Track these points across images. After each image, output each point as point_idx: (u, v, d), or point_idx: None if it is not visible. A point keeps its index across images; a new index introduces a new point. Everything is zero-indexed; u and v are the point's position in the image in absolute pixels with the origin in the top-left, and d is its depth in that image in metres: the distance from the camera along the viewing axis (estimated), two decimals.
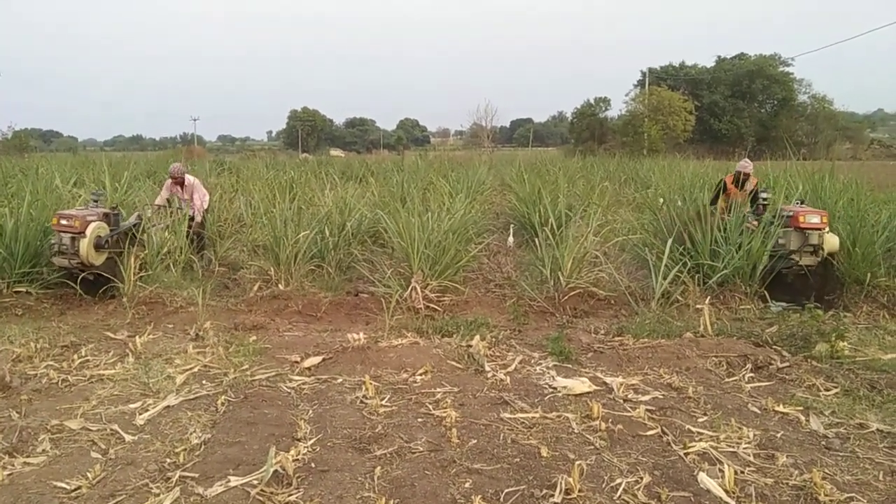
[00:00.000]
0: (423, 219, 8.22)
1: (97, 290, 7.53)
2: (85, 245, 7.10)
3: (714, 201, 8.94)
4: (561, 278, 7.51)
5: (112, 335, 6.18)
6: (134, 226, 7.99)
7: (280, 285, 7.82)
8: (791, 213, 7.50)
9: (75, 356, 5.49)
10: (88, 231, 7.14)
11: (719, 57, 60.75)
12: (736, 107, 55.90)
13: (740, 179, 8.91)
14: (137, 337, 5.93)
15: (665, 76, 57.25)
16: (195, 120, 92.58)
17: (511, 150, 65.77)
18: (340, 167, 25.03)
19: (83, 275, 7.35)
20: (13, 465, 3.68)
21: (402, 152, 46.21)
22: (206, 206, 9.74)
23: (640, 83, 56.63)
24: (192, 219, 9.13)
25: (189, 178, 9.53)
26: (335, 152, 66.49)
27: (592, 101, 57.40)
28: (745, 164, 8.97)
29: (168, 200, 9.23)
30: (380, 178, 18.60)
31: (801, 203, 8.16)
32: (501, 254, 10.67)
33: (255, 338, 6.05)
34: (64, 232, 7.16)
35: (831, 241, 7.41)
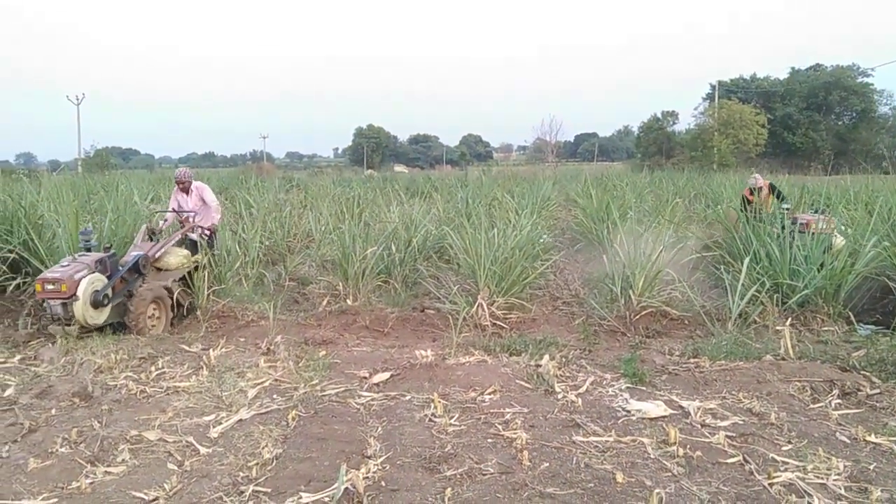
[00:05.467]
0: (489, 235, 8.18)
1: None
2: (80, 308, 6.23)
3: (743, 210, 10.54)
4: (632, 297, 7.33)
5: (187, 348, 6.33)
6: (136, 262, 7.08)
7: (348, 300, 7.91)
8: (805, 221, 8.68)
9: (152, 368, 5.65)
10: (80, 291, 6.23)
11: (793, 68, 58.92)
12: (811, 119, 53.89)
13: (755, 191, 10.79)
14: (211, 350, 6.07)
15: (736, 89, 55.77)
16: (265, 138, 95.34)
17: (576, 165, 65.26)
18: (405, 183, 25.32)
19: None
20: (95, 474, 3.79)
21: (466, 168, 46.46)
22: (218, 217, 8.89)
23: (710, 96, 55.34)
24: (207, 228, 8.46)
25: (196, 184, 8.80)
26: (399, 168, 67.43)
27: (660, 115, 56.40)
28: (756, 179, 11.04)
29: (179, 204, 8.67)
30: (444, 193, 18.69)
31: (817, 212, 9.37)
32: (568, 270, 10.51)
33: (324, 352, 6.10)
34: (52, 300, 6.25)
35: (837, 244, 8.01)
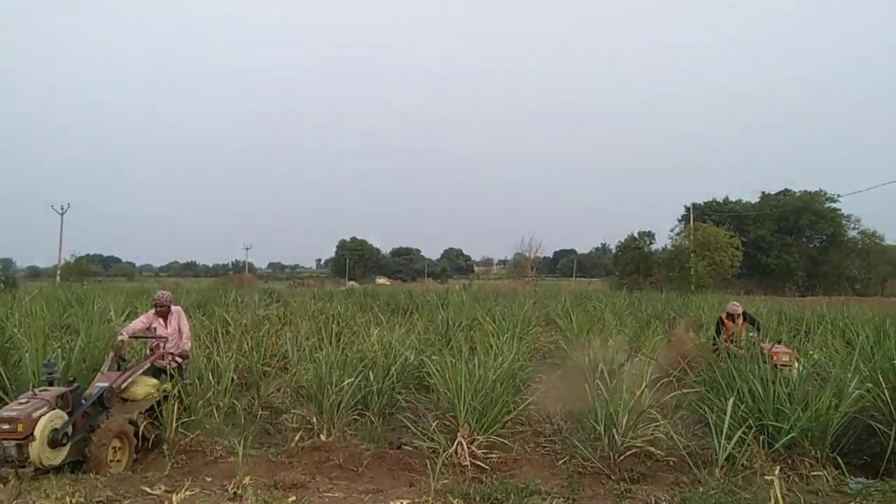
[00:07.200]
0: (469, 366, 7.99)
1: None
2: (36, 449, 5.81)
3: (717, 334, 10.97)
4: (616, 436, 7.12)
5: (149, 490, 5.95)
6: (101, 395, 6.65)
7: (322, 435, 7.59)
8: (769, 353, 8.83)
9: None
10: (38, 431, 5.82)
11: (763, 192, 61.36)
12: (783, 242, 55.63)
13: (733, 318, 11.12)
14: (174, 494, 5.71)
15: (710, 211, 57.61)
16: (247, 249, 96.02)
17: (555, 281, 65.97)
18: (386, 297, 25.31)
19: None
20: None
21: (447, 282, 46.82)
22: (188, 345, 8.62)
23: (685, 218, 56.98)
24: (178, 355, 8.20)
25: (175, 309, 8.56)
26: (381, 280, 67.83)
27: (636, 235, 57.76)
28: (735, 307, 11.25)
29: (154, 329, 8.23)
30: (425, 312, 18.61)
31: (778, 343, 9.84)
32: (549, 400, 10.26)
33: (293, 498, 5.77)
34: (6, 440, 5.78)
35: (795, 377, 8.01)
